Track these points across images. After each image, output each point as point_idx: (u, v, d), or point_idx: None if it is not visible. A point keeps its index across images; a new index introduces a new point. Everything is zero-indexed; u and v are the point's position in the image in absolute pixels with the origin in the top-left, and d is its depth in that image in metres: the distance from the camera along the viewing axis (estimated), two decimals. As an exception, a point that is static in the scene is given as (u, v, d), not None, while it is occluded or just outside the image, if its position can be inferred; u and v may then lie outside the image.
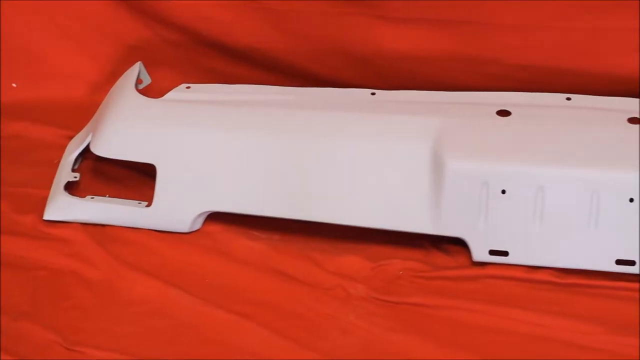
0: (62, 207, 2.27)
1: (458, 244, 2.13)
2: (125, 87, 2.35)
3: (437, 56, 2.38)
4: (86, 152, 2.37)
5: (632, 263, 2.03)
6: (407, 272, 2.09)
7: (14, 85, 2.71)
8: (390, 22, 2.37)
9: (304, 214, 2.16)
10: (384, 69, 2.43)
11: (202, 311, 2.02)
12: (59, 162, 2.39)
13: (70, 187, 2.32)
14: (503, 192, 2.04)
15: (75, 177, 2.33)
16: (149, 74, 2.42)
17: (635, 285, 2.02)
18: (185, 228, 2.21)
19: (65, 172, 2.35)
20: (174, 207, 2.21)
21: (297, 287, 2.08)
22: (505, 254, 2.07)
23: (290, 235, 2.21)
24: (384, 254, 2.14)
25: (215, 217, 2.23)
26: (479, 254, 2.08)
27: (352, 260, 2.13)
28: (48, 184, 2.33)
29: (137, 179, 2.36)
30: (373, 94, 2.27)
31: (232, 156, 2.19)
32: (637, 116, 2.13)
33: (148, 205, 2.23)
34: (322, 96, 2.30)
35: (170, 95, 2.32)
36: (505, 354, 1.89)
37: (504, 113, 2.16)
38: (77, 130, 2.48)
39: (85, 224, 2.24)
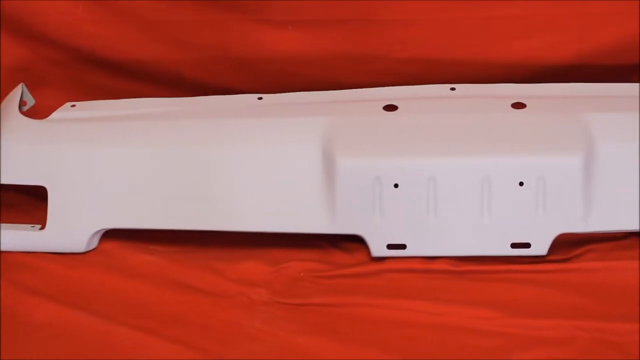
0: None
1: (356, 241, 2.14)
2: (9, 110, 2.31)
3: (322, 56, 2.39)
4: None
5: (527, 246, 2.07)
6: (308, 273, 2.10)
7: None
8: (272, 25, 2.37)
9: (200, 224, 2.15)
10: (270, 73, 2.43)
11: (105, 330, 1.98)
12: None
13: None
14: (396, 186, 2.06)
15: None
16: (32, 95, 2.37)
17: (530, 267, 2.06)
18: (81, 248, 2.18)
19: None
20: (68, 228, 2.18)
21: (199, 298, 2.06)
22: (402, 247, 2.09)
23: (188, 246, 2.20)
24: (283, 257, 2.15)
25: (111, 235, 2.21)
26: (377, 249, 2.10)
27: (252, 266, 2.13)
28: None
29: (31, 203, 2.33)
30: (260, 98, 2.27)
31: (122, 171, 2.16)
32: (521, 101, 2.18)
33: (42, 228, 2.20)
34: (209, 105, 2.29)
35: (55, 115, 2.28)
36: (409, 346, 1.90)
37: (391, 108, 2.18)
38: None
39: (-21, 253, 2.21)
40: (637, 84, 2.24)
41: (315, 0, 2.34)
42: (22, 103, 2.33)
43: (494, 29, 2.33)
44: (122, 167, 2.17)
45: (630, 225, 2.07)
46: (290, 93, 2.29)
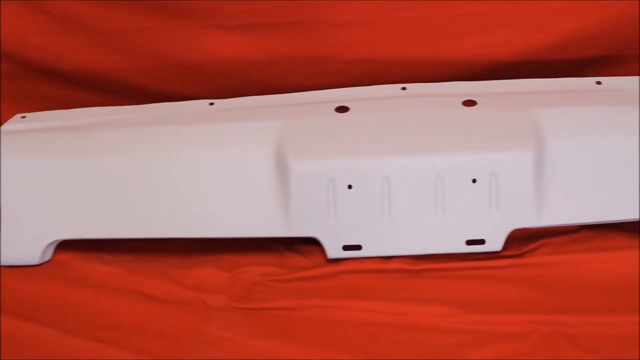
0: None
1: (312, 244, 2.14)
2: (-42, 123, 2.30)
3: (271, 59, 2.39)
4: None
5: (481, 242, 2.09)
6: (264, 278, 2.10)
7: None
8: (220, 30, 2.37)
9: (155, 232, 2.14)
10: (220, 78, 2.43)
11: (64, 342, 1.97)
12: None
13: None
14: (349, 187, 2.07)
15: None
16: (-19, 108, 2.37)
17: (485, 263, 2.08)
18: (35, 260, 2.16)
19: None
20: (21, 240, 2.16)
21: (156, 306, 2.06)
22: (358, 247, 2.10)
23: (144, 255, 2.19)
24: (239, 262, 2.14)
25: (65, 246, 2.19)
26: (333, 250, 2.10)
27: (209, 272, 2.12)
28: None
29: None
30: (211, 104, 2.27)
31: (74, 181, 2.15)
32: (472, 99, 2.19)
33: (-6, 242, 2.19)
34: (160, 112, 2.28)
35: (5, 127, 2.26)
36: (367, 346, 1.90)
37: (342, 109, 2.19)
38: None
39: None
40: (588, 78, 2.26)
41: (262, 4, 2.34)
42: (-29, 116, 2.32)
43: (443, 28, 2.34)
44: (74, 177, 2.15)
45: (583, 218, 2.09)
46: (242, 98, 2.29)
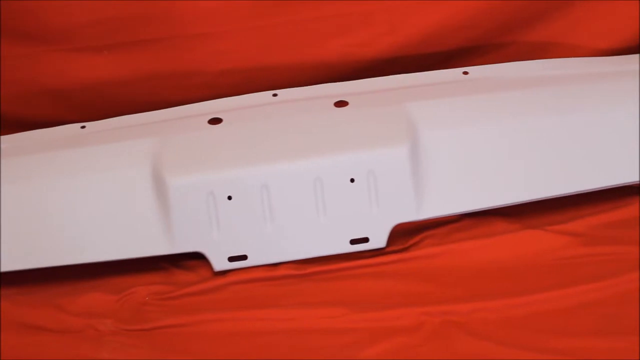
0: None
1: (198, 258, 2.13)
2: None
3: (140, 77, 2.37)
4: None
5: (365, 240, 2.10)
6: (153, 297, 2.08)
7: None
8: (85, 53, 2.34)
9: (37, 262, 2.10)
10: (89, 100, 2.39)
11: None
12: None
13: None
14: (229, 198, 2.06)
15: None
16: None
17: (372, 260, 2.09)
18: None
19: None
20: None
21: (45, 337, 2.02)
22: (244, 257, 2.09)
23: (28, 285, 2.15)
24: (126, 284, 2.12)
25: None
26: (219, 263, 2.09)
27: (96, 297, 2.09)
28: None
29: None
30: (83, 127, 2.24)
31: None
32: (343, 99, 2.20)
33: None
34: (33, 139, 2.24)
35: None
36: (262, 355, 1.91)
37: (215, 121, 2.18)
38: None
39: None
40: (455, 69, 2.30)
41: (125, 23, 2.31)
42: None
43: (307, 31, 2.35)
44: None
45: (461, 207, 2.12)
46: (114, 118, 2.26)
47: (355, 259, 2.10)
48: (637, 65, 2.26)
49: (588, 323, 1.88)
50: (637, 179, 2.16)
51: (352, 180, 2.07)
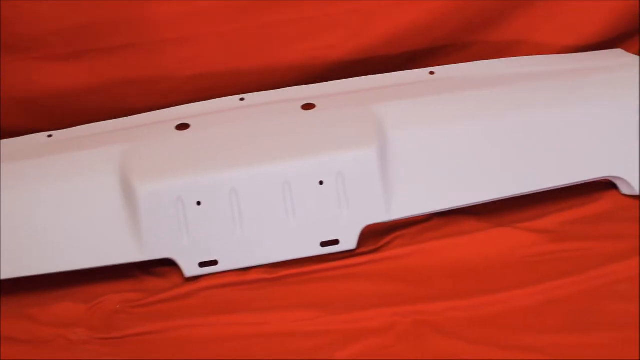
0: None
1: (169, 265, 2.12)
2: None
3: (108, 84, 2.36)
4: None
5: (336, 242, 2.10)
6: (124, 305, 2.07)
7: None
8: (54, 61, 2.33)
9: (7, 272, 2.09)
10: (58, 109, 2.38)
11: None
12: None
13: None
14: (198, 203, 2.06)
15: None
16: None
17: (343, 262, 2.10)
18: None
19: None
20: None
21: (17, 349, 2.00)
22: (214, 263, 2.09)
23: (-2, 296, 2.14)
24: (97, 292, 2.11)
25: None
26: (190, 269, 2.09)
27: (67, 306, 2.08)
28: None
29: None
30: (50, 136, 2.24)
31: None
32: (311, 102, 2.21)
33: None
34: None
35: None
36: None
37: (183, 127, 2.18)
38: None
39: None
40: (422, 70, 2.31)
41: (92, 30, 2.31)
42: None
43: (273, 35, 2.35)
44: None
45: (431, 207, 2.13)
46: (81, 126, 2.26)
47: (326, 262, 2.10)
48: (601, 62, 2.29)
49: (558, 319, 1.89)
50: (605, 175, 2.18)
51: (321, 183, 2.08)
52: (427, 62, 2.41)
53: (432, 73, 2.29)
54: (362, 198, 2.08)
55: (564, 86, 2.22)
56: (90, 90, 2.37)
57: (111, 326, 2.02)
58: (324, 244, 2.10)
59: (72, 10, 2.29)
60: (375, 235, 2.16)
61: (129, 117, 2.26)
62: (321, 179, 2.07)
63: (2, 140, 2.26)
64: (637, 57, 2.33)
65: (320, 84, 2.28)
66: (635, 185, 2.18)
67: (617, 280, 1.97)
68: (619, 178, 2.18)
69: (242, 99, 2.26)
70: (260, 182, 2.06)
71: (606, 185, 2.22)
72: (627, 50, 2.39)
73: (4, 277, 2.09)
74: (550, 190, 2.18)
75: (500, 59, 2.32)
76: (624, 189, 2.20)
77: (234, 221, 2.07)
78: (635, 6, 2.37)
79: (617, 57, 2.33)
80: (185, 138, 2.15)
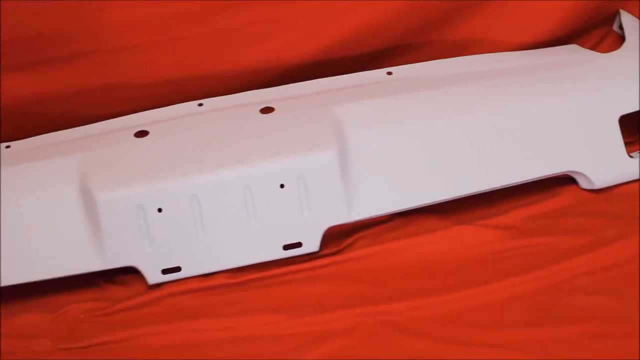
0: None
1: (132, 272, 2.12)
2: None
3: (65, 93, 2.33)
4: None
5: (298, 245, 2.11)
6: (88, 314, 2.06)
7: None
8: (7, 72, 2.30)
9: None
10: (15, 119, 2.34)
11: None
12: None
13: None
14: (159, 210, 2.05)
15: None
16: None
17: (306, 265, 2.10)
18: None
19: None
20: None
21: (-20, 362, 2.00)
22: (178, 269, 2.09)
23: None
24: (60, 302, 2.09)
25: None
26: (152, 276, 2.08)
27: (30, 317, 2.07)
28: None
29: None
30: (8, 147, 2.22)
31: None
32: (269, 105, 2.21)
33: None
34: None
35: None
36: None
37: (142, 134, 2.17)
38: None
39: None
40: (379, 70, 2.32)
41: (46, 40, 2.28)
42: None
43: (228, 39, 2.34)
44: None
45: (391, 207, 2.14)
46: (39, 136, 2.24)
47: (290, 265, 2.10)
48: (557, 58, 2.31)
49: (520, 315, 1.91)
50: (564, 170, 2.19)
51: (282, 186, 2.08)
52: (385, 62, 2.40)
53: (389, 73, 2.30)
54: (324, 200, 2.09)
55: (521, 82, 2.24)
56: (47, 100, 2.35)
57: (76, 336, 2.01)
58: (286, 247, 2.10)
59: (27, 20, 2.27)
60: (337, 237, 2.16)
61: (87, 126, 2.25)
62: (282, 182, 2.08)
63: (-41, 153, 2.24)
64: (593, 52, 2.36)
65: (278, 87, 2.28)
66: (594, 179, 2.20)
67: (578, 274, 1.99)
68: (578, 173, 2.21)
69: (200, 104, 2.25)
70: (220, 187, 2.06)
71: (565, 180, 2.24)
72: (582, 46, 2.41)
73: (-35, 289, 2.08)
74: (510, 187, 2.19)
75: (457, 58, 2.33)
76: (583, 184, 2.22)
77: (195, 227, 2.07)
78: (588, 3, 2.39)
79: (572, 53, 2.35)
80: (145, 145, 2.14)
